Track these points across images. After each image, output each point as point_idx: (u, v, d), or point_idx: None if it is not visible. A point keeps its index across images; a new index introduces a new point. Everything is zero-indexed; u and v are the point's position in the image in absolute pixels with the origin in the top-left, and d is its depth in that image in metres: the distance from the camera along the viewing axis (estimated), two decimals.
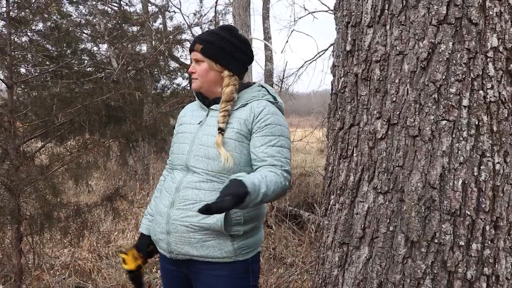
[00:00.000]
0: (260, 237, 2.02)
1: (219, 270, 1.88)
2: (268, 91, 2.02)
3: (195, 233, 1.83)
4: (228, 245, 1.85)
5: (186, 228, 1.83)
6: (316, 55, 10.74)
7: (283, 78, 9.22)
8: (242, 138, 1.89)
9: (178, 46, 10.95)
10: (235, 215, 1.84)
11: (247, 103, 1.94)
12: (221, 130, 1.87)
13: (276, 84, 9.26)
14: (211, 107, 2.00)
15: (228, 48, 1.96)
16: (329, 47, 10.24)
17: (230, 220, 1.82)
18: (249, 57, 2.04)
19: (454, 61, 1.60)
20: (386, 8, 1.74)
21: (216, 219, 1.79)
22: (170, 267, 2.02)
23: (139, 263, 2.11)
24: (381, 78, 1.74)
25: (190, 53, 2.03)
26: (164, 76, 10.78)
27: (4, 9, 3.78)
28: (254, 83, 2.08)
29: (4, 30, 3.84)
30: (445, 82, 1.60)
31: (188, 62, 9.81)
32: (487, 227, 1.59)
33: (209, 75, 1.97)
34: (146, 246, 2.11)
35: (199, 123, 1.99)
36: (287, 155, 1.88)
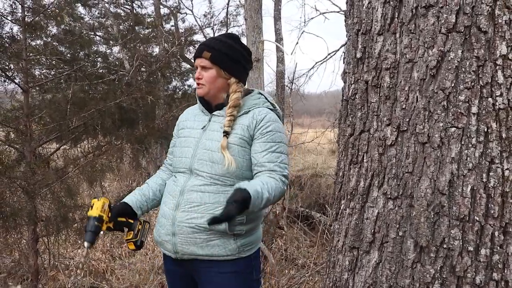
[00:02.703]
0: (259, 234, 2.11)
1: (223, 268, 1.95)
2: (266, 99, 2.10)
3: (201, 234, 1.91)
4: (231, 243, 1.93)
5: (192, 229, 1.91)
6: (327, 55, 10.74)
7: (292, 79, 9.23)
8: (244, 143, 1.97)
9: (190, 47, 11.02)
10: (239, 216, 1.89)
11: (249, 110, 2.02)
12: (226, 134, 1.95)
13: (287, 86, 9.27)
14: (214, 113, 2.07)
15: (235, 56, 2.04)
16: (340, 47, 10.23)
17: (234, 220, 1.88)
18: (250, 65, 2.13)
19: (463, 69, 1.62)
20: (396, 16, 1.76)
21: None
22: (175, 268, 2.09)
23: (102, 215, 1.99)
24: (391, 86, 1.77)
25: (195, 59, 2.08)
26: (176, 77, 10.85)
27: (20, 14, 3.86)
28: (253, 90, 2.15)
29: (20, 35, 3.90)
30: (454, 90, 1.62)
31: None
32: (496, 233, 1.61)
33: (217, 82, 2.03)
34: (118, 212, 2.05)
35: (202, 128, 2.06)
36: (285, 161, 1.97)
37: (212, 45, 2.04)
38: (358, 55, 1.90)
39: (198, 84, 2.06)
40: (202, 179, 1.96)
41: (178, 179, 2.04)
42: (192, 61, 10.62)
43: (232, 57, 2.03)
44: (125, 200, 2.12)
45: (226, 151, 1.92)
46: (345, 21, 2.05)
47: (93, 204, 2.01)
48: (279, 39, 9.62)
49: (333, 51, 10.69)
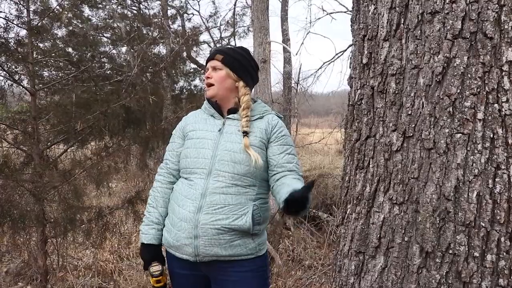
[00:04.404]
0: (266, 234, 2.24)
1: (243, 266, 2.04)
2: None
3: (225, 235, 1.98)
4: (251, 243, 2.04)
5: (217, 231, 1.98)
6: (334, 56, 10.75)
7: (298, 80, 9.25)
8: (262, 145, 2.11)
9: (196, 47, 11.03)
10: (257, 216, 2.03)
11: (263, 116, 2.18)
12: (246, 133, 2.07)
13: (293, 87, 9.29)
14: (228, 116, 2.17)
15: (246, 64, 2.19)
16: (348, 47, 10.22)
17: (254, 220, 2.01)
18: (257, 79, 2.29)
19: (469, 75, 1.62)
20: (402, 22, 1.76)
21: (245, 221, 1.99)
22: (188, 271, 2.12)
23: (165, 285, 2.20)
24: (396, 91, 1.77)
25: (207, 63, 2.23)
26: (182, 77, 10.88)
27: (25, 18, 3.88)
28: (253, 98, 2.30)
29: (26, 39, 3.92)
30: (460, 96, 1.62)
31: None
32: (502, 239, 1.60)
33: (225, 82, 2.16)
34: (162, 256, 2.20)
35: (219, 131, 2.13)
36: (298, 162, 2.16)
37: (225, 51, 2.21)
38: (364, 61, 1.90)
39: (207, 84, 2.19)
40: (223, 180, 2.03)
41: (195, 181, 2.07)
42: (198, 61, 10.65)
43: (243, 63, 2.18)
44: (155, 242, 2.17)
45: (250, 149, 2.04)
46: (351, 26, 2.06)
47: (159, 280, 2.16)
48: (286, 39, 9.62)
49: (341, 51, 10.72)
